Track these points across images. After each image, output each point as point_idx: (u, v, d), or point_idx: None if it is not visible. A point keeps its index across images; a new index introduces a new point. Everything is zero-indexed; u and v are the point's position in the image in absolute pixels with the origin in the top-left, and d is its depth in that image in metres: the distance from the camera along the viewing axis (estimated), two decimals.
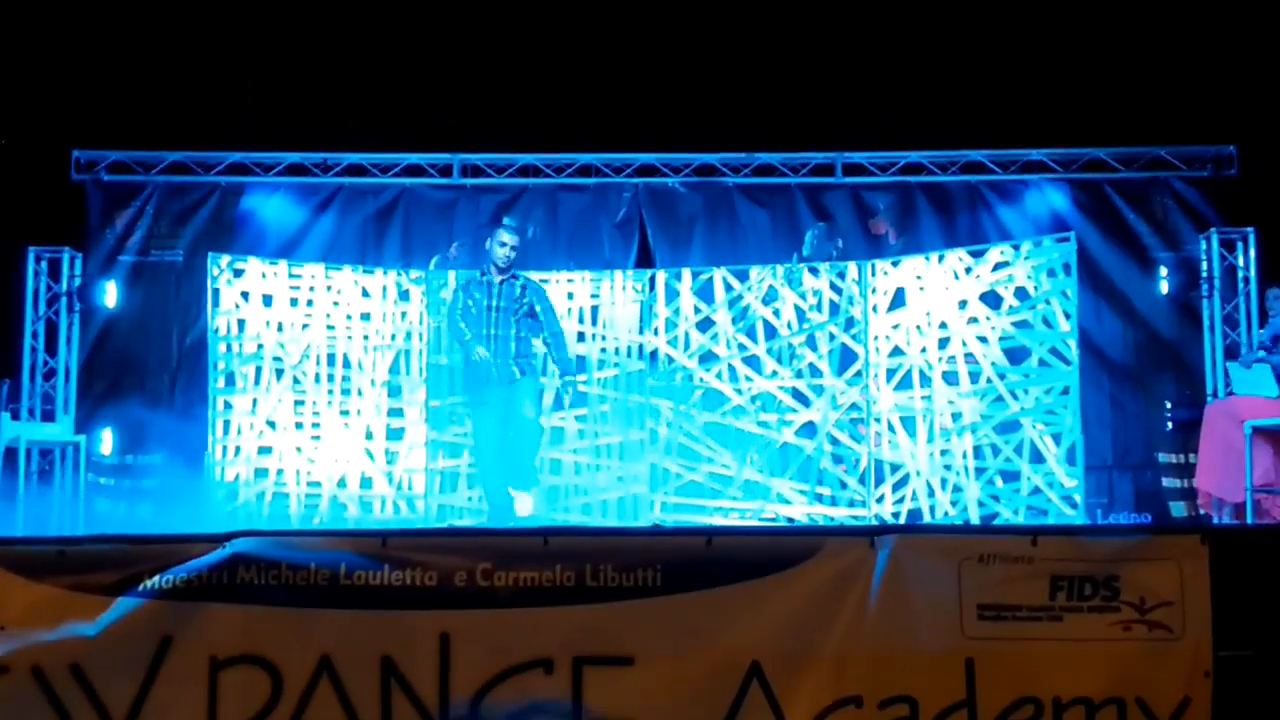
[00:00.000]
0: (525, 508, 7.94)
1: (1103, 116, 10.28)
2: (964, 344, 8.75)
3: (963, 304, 8.78)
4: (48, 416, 10.02)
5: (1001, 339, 8.65)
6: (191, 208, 10.69)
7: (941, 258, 8.95)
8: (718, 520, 8.91)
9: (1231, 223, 10.12)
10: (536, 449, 8.36)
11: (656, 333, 9.36)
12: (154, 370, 10.40)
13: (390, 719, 4.38)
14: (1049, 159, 10.63)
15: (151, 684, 4.44)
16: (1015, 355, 8.64)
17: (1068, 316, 8.41)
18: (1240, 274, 10.02)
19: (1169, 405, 10.13)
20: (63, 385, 10.33)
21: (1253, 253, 9.92)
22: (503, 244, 8.00)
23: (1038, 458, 8.44)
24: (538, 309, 8.04)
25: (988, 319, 8.68)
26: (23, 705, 4.45)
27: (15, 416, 9.76)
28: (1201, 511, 7.60)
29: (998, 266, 8.70)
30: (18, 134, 10.26)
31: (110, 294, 10.49)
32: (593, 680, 4.35)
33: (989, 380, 8.66)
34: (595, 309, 9.42)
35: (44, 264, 10.41)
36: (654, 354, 9.35)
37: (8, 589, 4.57)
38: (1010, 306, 8.62)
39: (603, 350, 9.39)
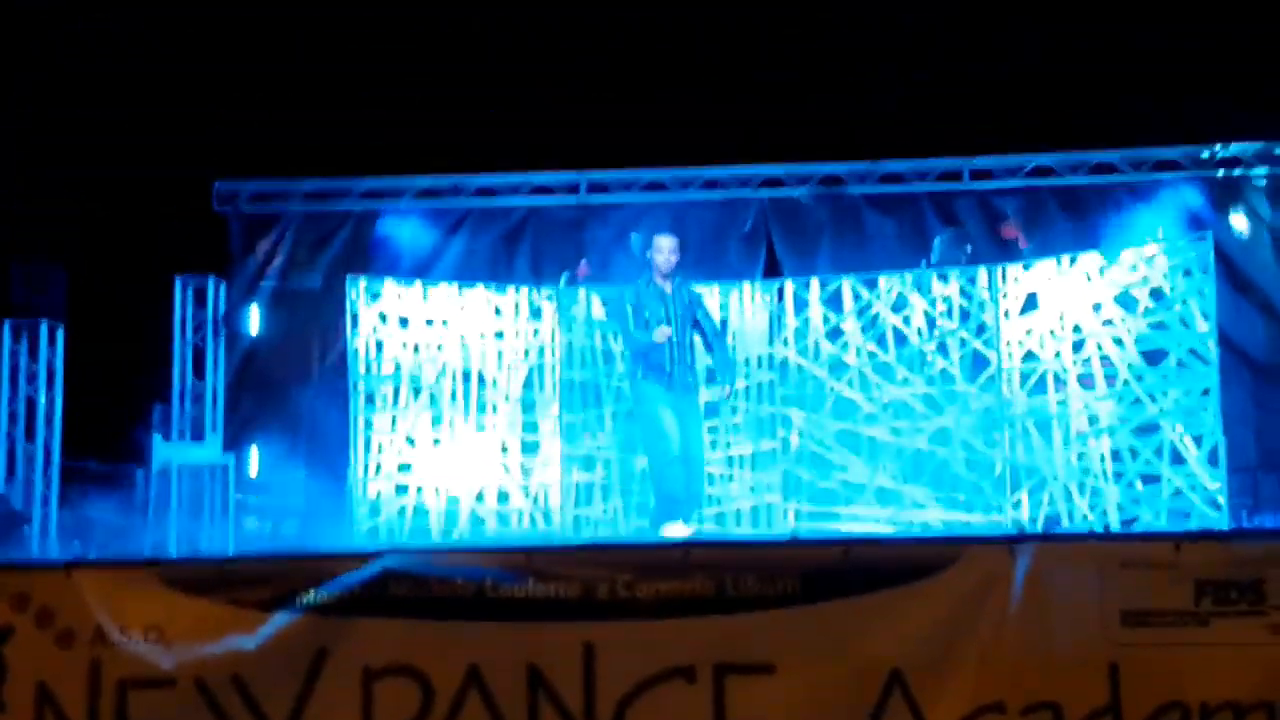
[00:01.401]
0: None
1: (1236, 111, 10.03)
2: (1099, 347, 8.61)
3: (1097, 306, 8.64)
4: (197, 439, 10.41)
5: (1138, 340, 8.49)
6: (328, 234, 11.00)
7: (1074, 260, 8.82)
8: (852, 528, 8.89)
9: None
10: (703, 479, 8.08)
11: (786, 343, 9.38)
12: (296, 392, 10.69)
13: None
14: (1183, 157, 10.40)
15: (309, 694, 4.61)
16: (1153, 357, 8.47)
17: (1206, 316, 8.23)
18: None
19: None
20: (210, 408, 10.72)
21: None
22: (660, 250, 7.68)
23: (1179, 460, 8.27)
24: (698, 315, 7.95)
25: (1123, 320, 8.53)
26: (188, 715, 4.66)
27: (166, 438, 10.18)
28: None
29: (1132, 268, 8.55)
30: (162, 167, 10.68)
31: (254, 319, 10.86)
32: (734, 688, 4.41)
33: (1126, 382, 8.50)
34: (725, 321, 9.48)
35: (190, 292, 10.84)
36: (784, 364, 9.37)
37: (172, 605, 4.79)
38: (1146, 308, 8.47)
39: None
